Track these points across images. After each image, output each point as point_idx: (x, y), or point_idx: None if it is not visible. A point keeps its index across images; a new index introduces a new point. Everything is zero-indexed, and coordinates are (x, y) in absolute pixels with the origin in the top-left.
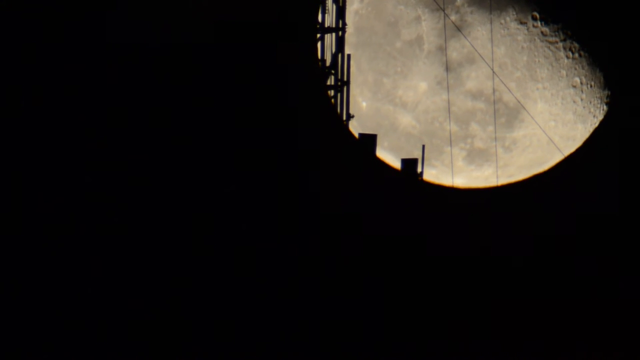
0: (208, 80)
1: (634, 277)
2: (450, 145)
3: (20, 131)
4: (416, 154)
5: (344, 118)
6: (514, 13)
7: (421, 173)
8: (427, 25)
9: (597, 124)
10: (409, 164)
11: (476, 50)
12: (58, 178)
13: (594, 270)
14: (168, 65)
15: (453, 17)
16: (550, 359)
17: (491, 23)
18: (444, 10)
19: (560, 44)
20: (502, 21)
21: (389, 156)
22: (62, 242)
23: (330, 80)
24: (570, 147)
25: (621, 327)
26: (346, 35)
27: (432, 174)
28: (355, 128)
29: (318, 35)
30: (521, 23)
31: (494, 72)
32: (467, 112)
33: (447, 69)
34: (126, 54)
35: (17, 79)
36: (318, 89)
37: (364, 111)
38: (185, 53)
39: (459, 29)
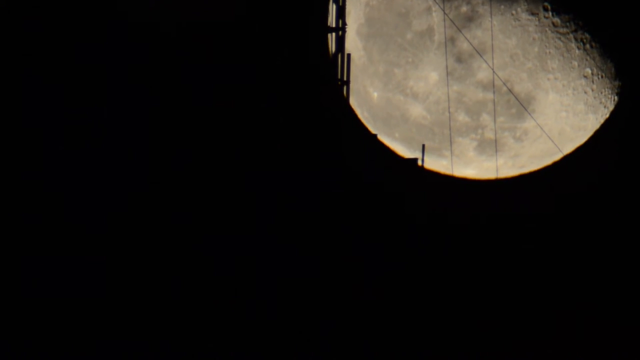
0: (209, 78)
1: None
2: (450, 139)
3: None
4: (427, 144)
5: None
6: (525, 4)
7: None
8: (438, 17)
9: (607, 115)
10: (409, 164)
11: (476, 50)
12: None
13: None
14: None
15: (464, 9)
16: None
17: (491, 20)
18: (444, 11)
19: (572, 35)
20: (513, 12)
21: (400, 147)
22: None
23: None
24: (581, 137)
25: (620, 327)
26: (358, 26)
27: (442, 165)
28: (367, 119)
29: None
30: (532, 14)
31: (494, 71)
32: (477, 103)
33: (447, 67)
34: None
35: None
36: (330, 86)
37: (375, 102)
38: (193, 51)
39: (459, 29)
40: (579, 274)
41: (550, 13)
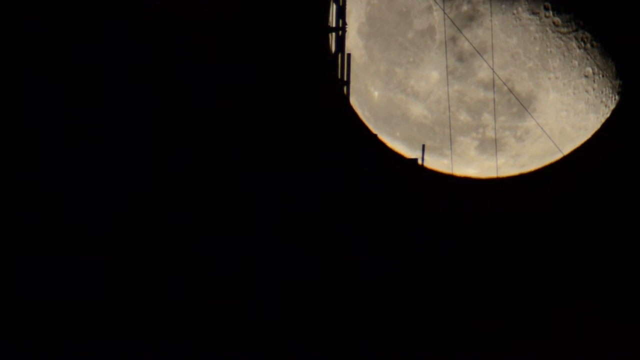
0: (209, 78)
1: None
2: (451, 138)
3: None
4: (428, 144)
5: None
6: (526, 3)
7: None
8: (439, 16)
9: (608, 114)
10: (410, 163)
11: (476, 49)
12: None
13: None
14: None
15: (465, 8)
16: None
17: (492, 19)
18: (444, 11)
19: (572, 35)
20: (514, 11)
21: (401, 146)
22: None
23: None
24: (582, 136)
25: (620, 327)
26: (359, 25)
27: (443, 164)
28: (368, 118)
29: None
30: (533, 13)
31: (494, 71)
32: (478, 102)
33: (448, 66)
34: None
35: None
36: (330, 86)
37: (375, 101)
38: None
39: (459, 29)
40: (578, 274)
41: (551, 12)
